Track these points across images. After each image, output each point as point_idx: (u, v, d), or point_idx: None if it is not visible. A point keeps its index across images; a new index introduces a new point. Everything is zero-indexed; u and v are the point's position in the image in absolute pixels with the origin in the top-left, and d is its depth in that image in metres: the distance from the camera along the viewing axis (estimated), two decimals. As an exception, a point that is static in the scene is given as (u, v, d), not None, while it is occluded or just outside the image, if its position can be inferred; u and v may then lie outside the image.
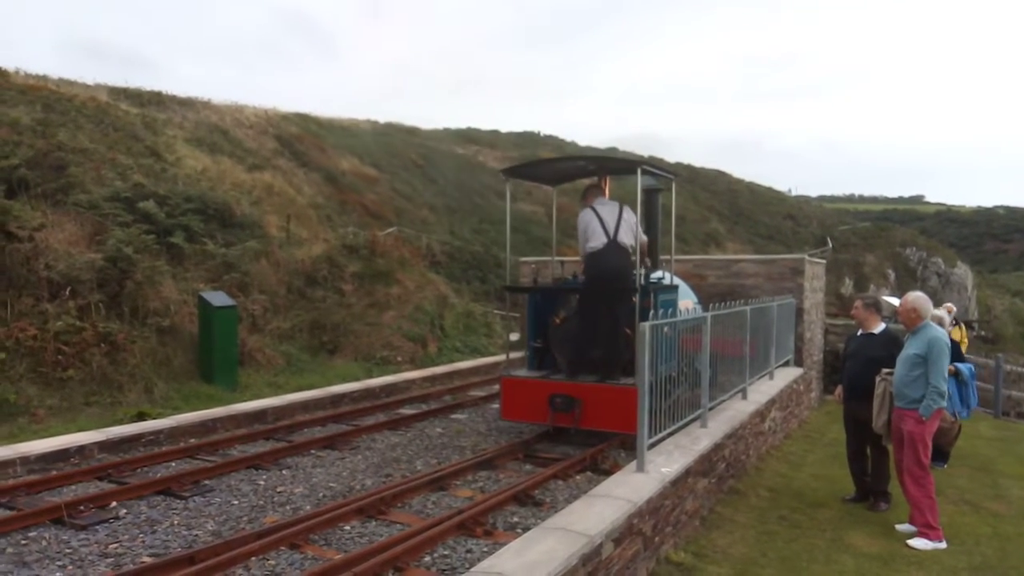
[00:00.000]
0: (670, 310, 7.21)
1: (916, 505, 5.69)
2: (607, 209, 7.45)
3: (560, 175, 8.75)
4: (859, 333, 6.74)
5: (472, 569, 3.82)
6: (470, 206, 28.94)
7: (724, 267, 11.51)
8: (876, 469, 6.52)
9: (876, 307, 6.75)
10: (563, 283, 8.25)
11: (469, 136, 41.38)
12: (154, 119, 18.25)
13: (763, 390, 8.67)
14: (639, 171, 7.37)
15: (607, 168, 8.35)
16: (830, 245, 38.95)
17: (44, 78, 18.68)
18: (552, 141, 45.57)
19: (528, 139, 44.83)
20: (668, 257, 8.85)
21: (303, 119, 28.69)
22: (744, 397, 8.06)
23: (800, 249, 32.76)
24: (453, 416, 9.05)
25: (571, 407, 7.08)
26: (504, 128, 44.55)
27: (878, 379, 6.14)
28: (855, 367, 6.51)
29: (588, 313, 7.41)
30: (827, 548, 5.50)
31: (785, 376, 9.88)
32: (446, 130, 42.01)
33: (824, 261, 14.43)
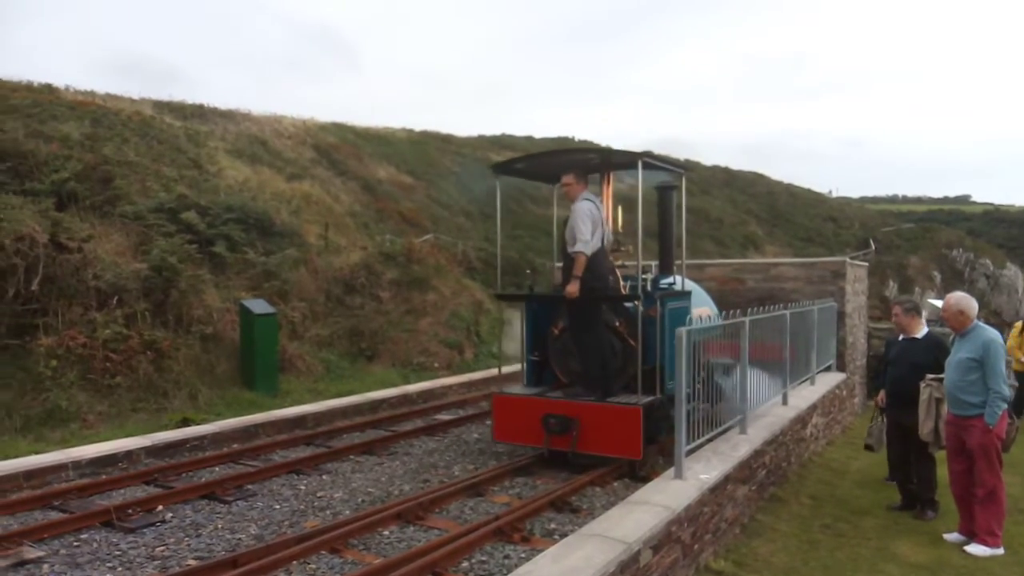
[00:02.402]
0: (687, 318, 6.68)
1: (982, 510, 5.48)
2: (600, 204, 6.87)
3: (558, 171, 7.57)
4: (901, 338, 6.59)
5: (509, 575, 3.83)
6: (504, 212, 28.98)
7: (763, 271, 11.34)
8: (922, 477, 6.36)
9: (917, 311, 6.59)
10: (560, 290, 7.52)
11: (503, 142, 41.50)
12: (196, 131, 18.68)
13: (804, 395, 8.52)
14: (640, 164, 6.62)
15: (610, 162, 7.51)
16: (873, 247, 38.12)
17: (92, 94, 19.26)
18: (587, 145, 45.44)
19: (562, 144, 44.79)
20: (680, 261, 8.19)
21: (340, 128, 29.10)
22: (784, 403, 7.93)
23: (841, 252, 32.14)
24: (490, 422, 9.07)
25: (567, 429, 6.45)
26: (538, 134, 44.50)
27: (923, 385, 5.99)
28: (898, 373, 6.37)
29: (583, 324, 6.74)
30: (872, 557, 5.38)
31: (827, 381, 9.70)
32: (480, 137, 42.20)
33: (867, 264, 14.13)
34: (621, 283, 6.90)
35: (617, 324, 6.84)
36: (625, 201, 7.79)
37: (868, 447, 7.21)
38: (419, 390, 10.39)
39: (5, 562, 4.55)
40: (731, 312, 6.59)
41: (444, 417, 9.17)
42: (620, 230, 7.42)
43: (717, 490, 5.32)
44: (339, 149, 25.43)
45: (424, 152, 31.64)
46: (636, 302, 6.49)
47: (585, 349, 6.74)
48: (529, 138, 44.55)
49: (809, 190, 51.82)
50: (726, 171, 47.34)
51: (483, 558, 4.77)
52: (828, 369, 10.40)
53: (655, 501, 4.80)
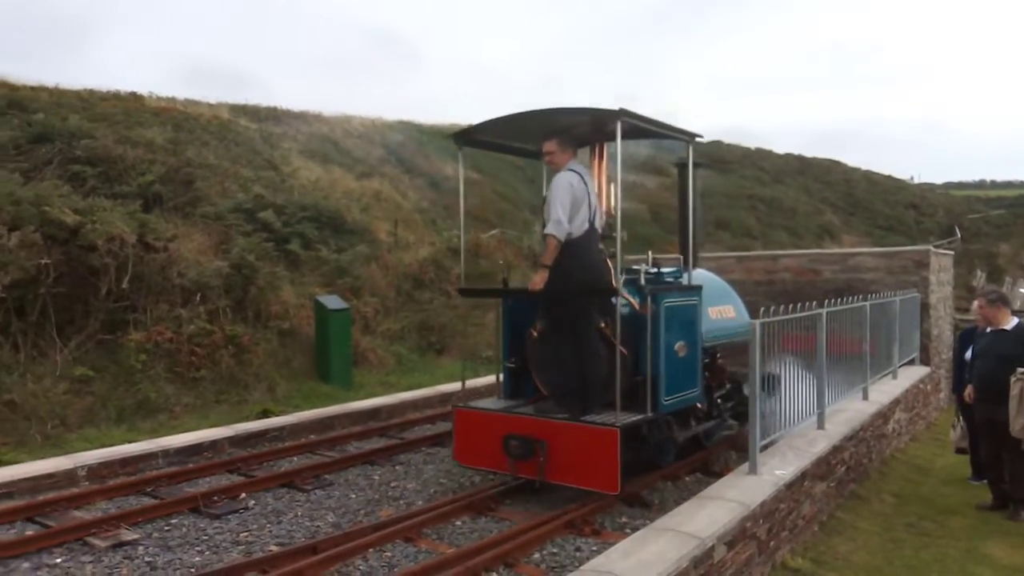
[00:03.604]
0: (695, 317, 5.87)
1: None
2: (589, 178, 5.68)
3: (538, 140, 5.93)
4: (988, 330, 6.27)
5: (582, 567, 3.84)
6: (571, 206, 28.87)
7: (839, 261, 10.96)
8: (1015, 475, 6.04)
9: (1003, 301, 6.25)
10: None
11: (569, 136, 41.31)
12: (271, 133, 19.31)
13: (886, 390, 8.21)
14: (619, 124, 5.24)
15: (602, 130, 6.13)
16: (958, 235, 36.28)
17: (173, 100, 20.13)
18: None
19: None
20: (703, 253, 7.89)
21: (406, 127, 29.55)
22: (865, 397, 7.66)
23: (924, 240, 30.71)
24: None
25: (530, 452, 5.38)
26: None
27: (1013, 379, 5.69)
28: (986, 366, 6.07)
29: (561, 325, 5.62)
30: (961, 559, 5.15)
31: (910, 375, 9.32)
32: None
33: (952, 252, 13.48)
34: (615, 275, 5.55)
35: (603, 325, 5.54)
36: (641, 176, 7.55)
37: (960, 450, 6.94)
38: (487, 383, 10.46)
39: (105, 543, 4.84)
40: (806, 304, 6.36)
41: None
42: (614, 212, 5.90)
43: (794, 486, 5.19)
44: (406, 146, 25.84)
45: (490, 147, 31.74)
46: (615, 298, 5.31)
47: (561, 355, 5.61)
48: (703, 164, 44.21)
49: (889, 177, 49.67)
50: (799, 159, 45.86)
51: (554, 550, 4.80)
52: (911, 363, 9.99)
53: (728, 496, 4.72)
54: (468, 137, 6.30)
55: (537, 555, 4.73)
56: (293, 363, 10.23)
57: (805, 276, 10.52)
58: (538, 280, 5.40)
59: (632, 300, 5.57)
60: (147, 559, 4.68)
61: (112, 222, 9.10)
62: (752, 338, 5.10)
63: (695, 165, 6.60)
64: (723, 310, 6.80)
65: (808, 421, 6.30)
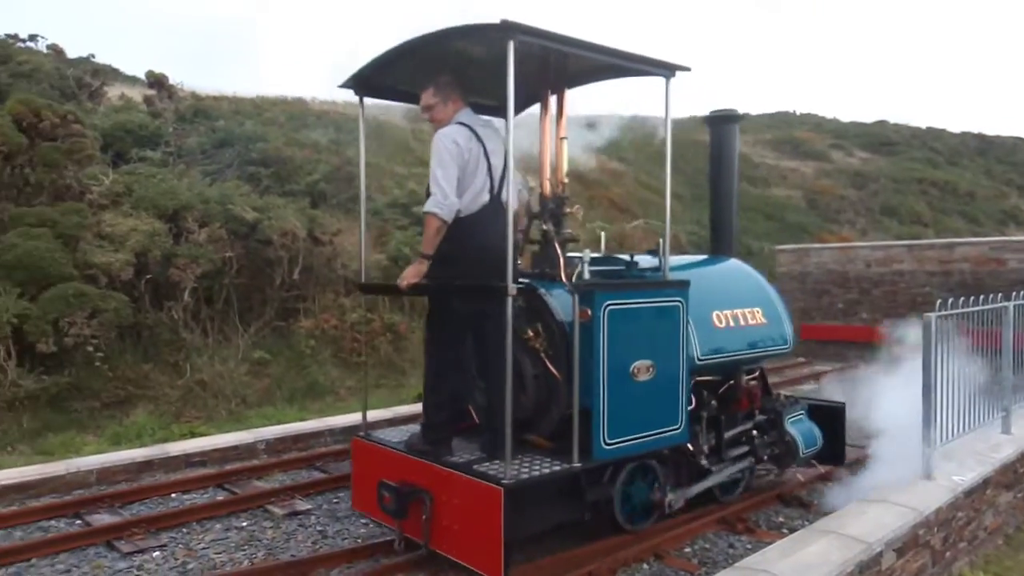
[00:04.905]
0: (679, 323, 4.34)
1: None
2: (491, 134, 4.24)
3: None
4: None
5: (736, 564, 3.76)
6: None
7: (1029, 249, 9.90)
8: None
9: None
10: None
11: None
12: (421, 131, 20.17)
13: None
14: (510, 44, 3.56)
15: (560, 77, 4.62)
16: None
17: (333, 103, 21.52)
18: (810, 120, 42.31)
19: (781, 120, 42.10)
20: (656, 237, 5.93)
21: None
22: (1060, 401, 6.86)
23: None
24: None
25: (403, 509, 4.09)
26: (756, 110, 42.14)
27: None
28: None
29: (446, 328, 4.29)
30: None
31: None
32: (691, 118, 40.98)
33: None
34: (564, 268, 4.38)
35: (532, 335, 4.26)
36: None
37: None
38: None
39: (282, 511, 5.32)
40: (989, 297, 5.78)
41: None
42: (566, 180, 4.70)
43: (974, 494, 4.77)
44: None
45: (632, 136, 31.36)
46: (511, 295, 3.72)
47: (441, 372, 4.33)
48: (745, 115, 42.42)
49: (1091, 154, 43.96)
50: (979, 138, 41.64)
51: (706, 545, 4.73)
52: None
53: (896, 500, 4.42)
54: (365, 81, 4.65)
55: (688, 549, 4.67)
56: (444, 351, 10.70)
57: (986, 266, 9.59)
58: (410, 273, 4.11)
59: (551, 302, 4.27)
60: (318, 528, 5.09)
61: (285, 218, 9.91)
62: (926, 335, 4.71)
63: (729, 119, 5.64)
64: (742, 315, 5.09)
65: (990, 424, 5.76)
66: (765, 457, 5.36)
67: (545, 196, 4.64)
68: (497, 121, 4.49)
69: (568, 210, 4.64)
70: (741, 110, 6.03)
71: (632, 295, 4.18)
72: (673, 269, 4.75)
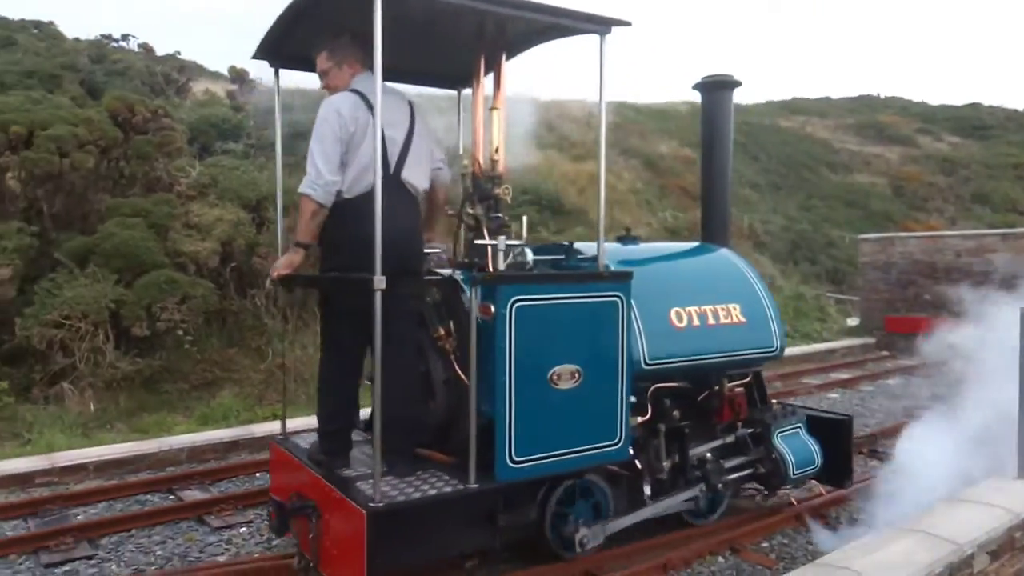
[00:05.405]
0: (607, 328, 3.70)
1: None
2: (392, 104, 3.66)
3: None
4: None
5: (817, 560, 3.68)
6: (796, 181, 27.12)
7: None
8: None
9: None
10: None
11: (794, 107, 38.65)
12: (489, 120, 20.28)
13: None
14: (377, 3, 3.04)
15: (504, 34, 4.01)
16: None
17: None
18: (896, 103, 40.46)
19: (864, 103, 40.41)
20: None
21: (620, 107, 29.43)
22: None
23: None
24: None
25: (284, 525, 3.62)
26: (836, 94, 40.59)
27: None
28: None
29: (336, 325, 3.85)
30: None
31: None
32: (768, 103, 39.78)
33: None
34: (503, 259, 3.80)
35: (443, 333, 3.78)
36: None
37: None
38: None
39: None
40: None
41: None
42: (496, 158, 4.16)
43: (1077, 497, 4.51)
44: (621, 127, 25.77)
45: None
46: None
47: (328, 378, 3.86)
48: (825, 99, 40.99)
49: None
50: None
51: (784, 540, 4.64)
52: None
53: (990, 501, 4.22)
54: (276, 50, 4.06)
55: (766, 544, 4.59)
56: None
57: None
58: (282, 264, 3.71)
59: (465, 298, 3.64)
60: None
61: (360, 208, 10.16)
62: (1023, 330, 4.45)
63: (725, 84, 4.99)
64: (712, 312, 4.35)
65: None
66: (719, 486, 4.46)
67: (477, 175, 4.15)
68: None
69: (497, 191, 4.08)
70: (822, 93, 5.75)
71: (551, 289, 3.59)
72: (627, 261, 4.21)
